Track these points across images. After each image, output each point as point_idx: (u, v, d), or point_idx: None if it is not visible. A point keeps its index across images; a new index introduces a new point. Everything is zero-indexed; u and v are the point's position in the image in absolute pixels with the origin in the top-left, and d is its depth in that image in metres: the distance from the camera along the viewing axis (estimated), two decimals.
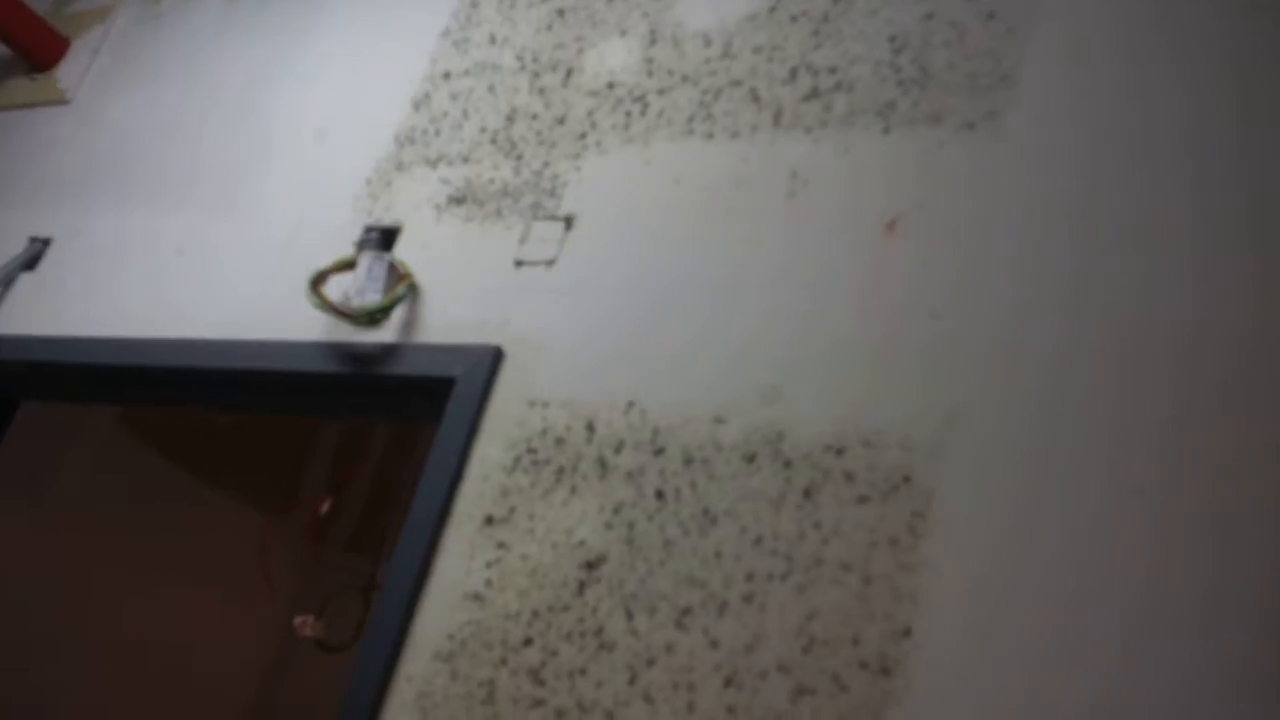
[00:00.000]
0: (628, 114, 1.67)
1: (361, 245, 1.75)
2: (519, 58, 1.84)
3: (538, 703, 1.31)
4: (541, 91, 1.78)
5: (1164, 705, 1.03)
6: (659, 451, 1.39)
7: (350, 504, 3.27)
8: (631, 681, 1.27)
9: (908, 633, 1.15)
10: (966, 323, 1.28)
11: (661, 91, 1.66)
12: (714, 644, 1.25)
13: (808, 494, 1.28)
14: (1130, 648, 1.06)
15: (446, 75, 1.91)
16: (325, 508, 3.06)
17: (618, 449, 1.42)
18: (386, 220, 1.80)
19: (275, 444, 3.18)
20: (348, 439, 3.33)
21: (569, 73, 1.77)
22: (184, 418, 2.89)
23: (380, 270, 1.68)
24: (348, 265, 1.72)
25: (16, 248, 2.22)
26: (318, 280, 1.71)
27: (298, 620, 2.86)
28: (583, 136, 1.69)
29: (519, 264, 1.63)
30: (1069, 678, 1.07)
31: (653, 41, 1.72)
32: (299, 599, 3.07)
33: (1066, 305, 1.24)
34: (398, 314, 1.69)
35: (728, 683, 1.22)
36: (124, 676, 2.74)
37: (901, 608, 1.17)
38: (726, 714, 1.20)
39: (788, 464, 1.30)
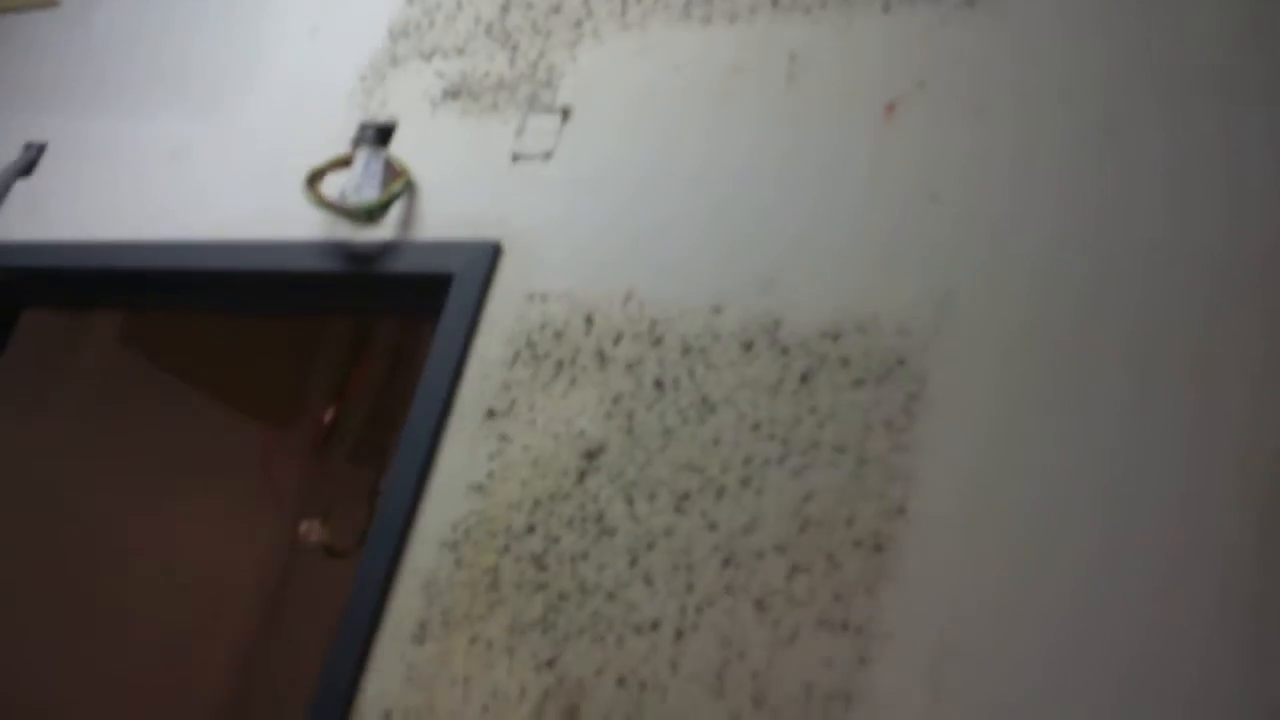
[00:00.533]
0: None
1: (357, 142, 1.74)
2: None
3: (540, 586, 1.34)
4: None
5: (1149, 577, 1.05)
6: (657, 342, 1.40)
7: (353, 417, 3.29)
8: (632, 564, 1.29)
9: (901, 511, 1.17)
10: (965, 206, 1.27)
11: None
12: (712, 526, 1.27)
13: (804, 379, 1.29)
14: (1118, 524, 1.08)
15: None
16: (329, 416, 3.08)
17: (616, 340, 1.43)
18: (382, 116, 1.78)
19: (277, 357, 3.19)
20: (350, 350, 3.34)
21: None
22: (185, 332, 2.89)
23: (377, 167, 1.67)
24: (344, 163, 1.71)
25: (11, 153, 2.20)
26: (314, 178, 1.70)
27: (303, 526, 2.89)
28: (578, 24, 1.66)
29: (516, 157, 1.62)
30: (1059, 550, 1.09)
31: None
32: (304, 509, 3.11)
33: (1066, 187, 1.23)
34: (395, 211, 1.68)
35: (726, 563, 1.24)
36: (130, 586, 2.78)
37: (895, 487, 1.18)
38: (725, 593, 1.23)
39: (785, 351, 1.31)
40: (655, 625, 1.25)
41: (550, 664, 1.28)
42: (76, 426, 2.73)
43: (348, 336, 3.34)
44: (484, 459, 1.45)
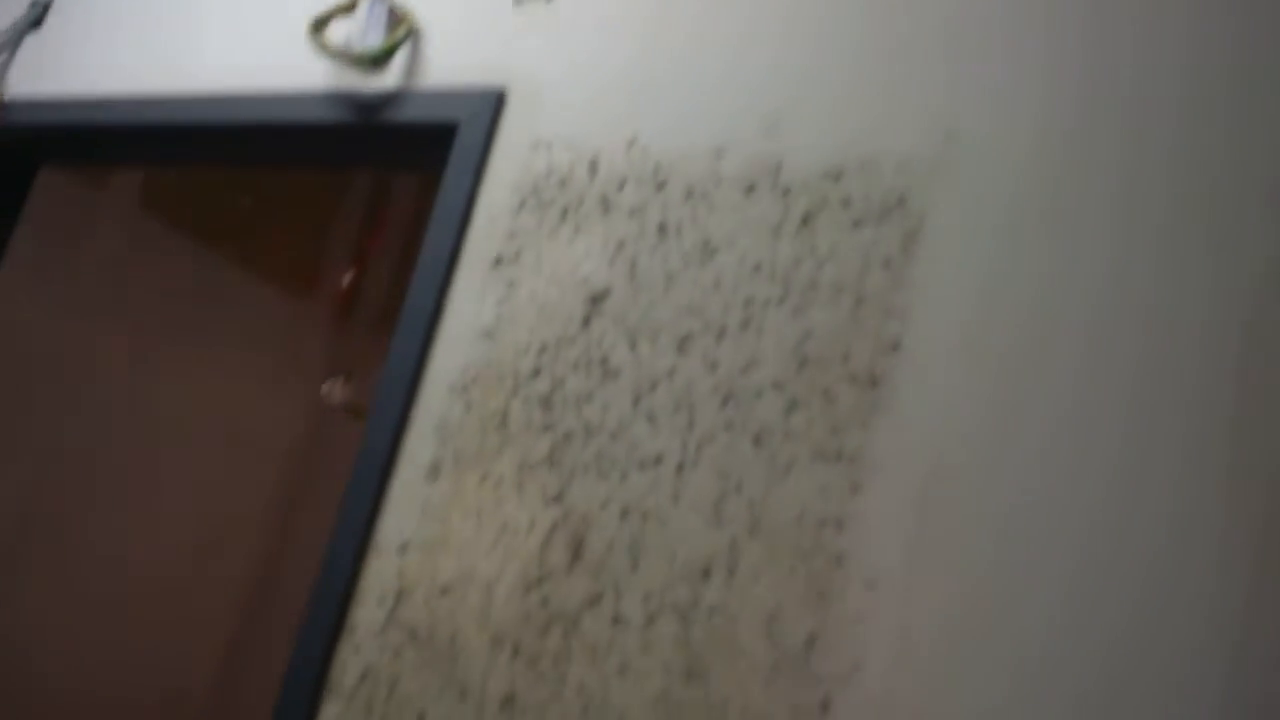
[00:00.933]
0: None
1: None
2: None
3: (547, 427, 1.38)
4: None
5: (1134, 408, 1.07)
6: (660, 186, 1.40)
7: (375, 285, 3.32)
8: (635, 404, 1.33)
9: (896, 347, 1.19)
10: (966, 41, 1.25)
11: None
12: (713, 367, 1.30)
13: (805, 221, 1.29)
14: (1106, 357, 1.09)
15: None
16: (349, 279, 3.12)
17: (620, 186, 1.43)
18: None
19: (298, 222, 3.20)
20: (367, 214, 3.35)
21: None
22: (206, 197, 2.90)
23: (381, 12, 1.65)
24: (348, 8, 1.69)
25: (19, 9, 2.19)
26: (319, 24, 1.68)
27: (326, 386, 2.94)
28: None
29: (518, 0, 1.60)
30: (1047, 382, 1.11)
31: None
32: (327, 372, 3.16)
33: (1070, 19, 1.21)
34: (400, 59, 1.67)
35: (725, 401, 1.28)
36: (157, 451, 2.85)
37: (891, 324, 1.20)
38: (724, 429, 1.26)
39: (786, 193, 1.31)
40: (657, 460, 1.29)
41: (558, 498, 1.34)
42: (97, 289, 2.77)
43: (366, 201, 3.35)
44: (491, 306, 1.48)
